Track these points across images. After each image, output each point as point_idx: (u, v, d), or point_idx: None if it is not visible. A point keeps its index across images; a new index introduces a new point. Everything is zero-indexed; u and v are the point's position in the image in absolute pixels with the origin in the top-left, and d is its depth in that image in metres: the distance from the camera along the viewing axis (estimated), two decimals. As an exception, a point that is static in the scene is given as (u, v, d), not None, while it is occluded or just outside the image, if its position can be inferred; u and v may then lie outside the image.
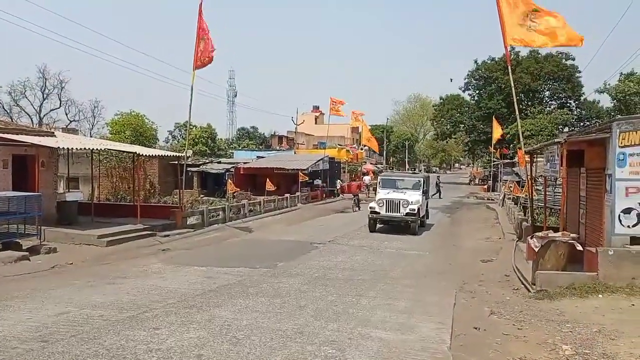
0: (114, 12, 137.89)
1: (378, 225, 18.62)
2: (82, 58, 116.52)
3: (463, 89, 57.64)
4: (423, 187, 19.26)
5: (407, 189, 18.79)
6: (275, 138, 63.68)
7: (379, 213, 18.00)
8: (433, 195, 29.42)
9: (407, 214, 17.70)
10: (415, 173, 22.05)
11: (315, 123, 72.26)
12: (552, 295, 8.56)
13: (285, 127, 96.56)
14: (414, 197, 18.17)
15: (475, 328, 7.09)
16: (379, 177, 20.91)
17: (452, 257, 13.67)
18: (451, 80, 39.30)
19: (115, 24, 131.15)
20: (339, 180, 37.97)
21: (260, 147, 57.58)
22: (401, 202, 17.82)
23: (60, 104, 45.12)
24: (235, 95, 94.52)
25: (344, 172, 44.81)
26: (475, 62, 55.91)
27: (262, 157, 38.67)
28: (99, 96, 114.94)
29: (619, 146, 9.39)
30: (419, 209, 17.89)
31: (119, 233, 14.99)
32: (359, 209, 26.89)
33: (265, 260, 12.32)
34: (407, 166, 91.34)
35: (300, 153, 45.74)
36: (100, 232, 14.65)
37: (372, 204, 18.41)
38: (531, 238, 10.12)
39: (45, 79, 43.86)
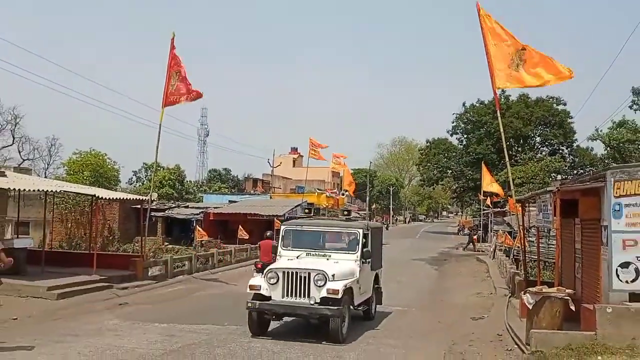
0: (78, 45, 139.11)
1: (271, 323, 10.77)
2: (40, 92, 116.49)
3: (451, 132, 58.87)
4: (363, 247, 11.17)
5: (334, 250, 11.41)
6: (249, 181, 63.73)
7: (269, 298, 10.09)
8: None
9: (321, 302, 9.75)
10: (350, 219, 13.24)
11: (294, 166, 72.75)
12: (548, 356, 8.51)
13: (261, 169, 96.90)
14: (341, 267, 10.51)
15: (466, 394, 6.98)
16: (282, 227, 12.31)
17: (441, 314, 13.59)
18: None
19: (79, 57, 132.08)
20: None
21: (233, 190, 57.48)
22: (312, 276, 9.90)
23: (14, 141, 44.68)
24: (207, 135, 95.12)
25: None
26: (464, 105, 57.43)
27: (235, 202, 38.55)
28: (57, 134, 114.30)
29: (614, 196, 9.62)
30: (349, 290, 10.20)
31: (72, 285, 14.57)
32: None
33: (234, 316, 12.02)
34: (391, 213, 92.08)
35: (276, 198, 45.78)
36: (51, 283, 14.22)
37: (256, 280, 10.68)
38: (524, 294, 10.14)
39: (-2, 114, 43.56)
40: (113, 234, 27.67)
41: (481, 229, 45.09)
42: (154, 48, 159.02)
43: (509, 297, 15.04)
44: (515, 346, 9.75)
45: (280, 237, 11.87)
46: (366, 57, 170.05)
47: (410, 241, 47.10)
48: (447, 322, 12.56)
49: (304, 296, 9.94)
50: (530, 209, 16.94)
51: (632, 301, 9.24)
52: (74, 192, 21.92)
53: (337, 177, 71.14)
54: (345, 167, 45.20)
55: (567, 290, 9.84)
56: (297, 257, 10.98)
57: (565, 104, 53.24)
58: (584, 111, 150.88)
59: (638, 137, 38.34)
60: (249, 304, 10.12)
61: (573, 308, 9.55)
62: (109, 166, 38.44)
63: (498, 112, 16.65)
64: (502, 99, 50.69)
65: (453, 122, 58.17)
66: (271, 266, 10.82)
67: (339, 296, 9.71)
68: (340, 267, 10.53)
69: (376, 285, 12.75)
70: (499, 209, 39.95)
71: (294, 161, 75.12)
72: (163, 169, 45.30)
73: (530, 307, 9.54)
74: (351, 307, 10.59)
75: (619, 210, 9.55)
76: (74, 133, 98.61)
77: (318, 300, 9.81)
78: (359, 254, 11.01)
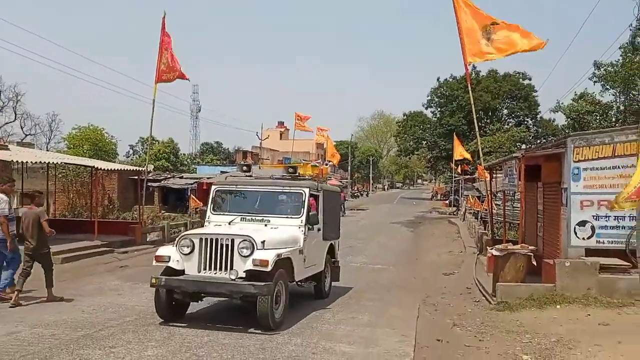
0: (73, 23, 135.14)
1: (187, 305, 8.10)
2: (40, 70, 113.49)
3: (426, 106, 58.87)
4: (309, 210, 8.71)
5: (275, 215, 8.75)
6: (239, 153, 63.19)
7: (182, 272, 7.58)
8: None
9: (247, 276, 7.29)
10: (298, 178, 9.58)
11: (280, 138, 72.30)
12: (512, 306, 8.72)
13: (250, 142, 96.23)
14: (277, 234, 8.18)
15: (438, 340, 7.14)
16: (212, 188, 9.50)
17: (416, 271, 13.79)
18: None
19: (75, 36, 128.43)
20: None
21: (225, 162, 57.05)
22: (237, 244, 7.46)
23: (16, 117, 43.65)
24: (199, 110, 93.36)
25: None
26: (438, 80, 57.30)
27: (226, 172, 38.26)
28: (57, 109, 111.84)
29: (574, 161, 9.75)
30: (285, 261, 7.78)
31: (75, 250, 14.46)
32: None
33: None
34: (371, 182, 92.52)
35: (264, 168, 45.49)
36: (56, 248, 14.01)
37: (165, 249, 8.19)
38: (491, 250, 10.32)
39: (0, 91, 42.41)
40: (113, 203, 27.36)
41: (452, 194, 45.57)
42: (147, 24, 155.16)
43: (477, 254, 15.30)
44: (483, 298, 9.95)
45: (210, 198, 9.08)
46: (348, 29, 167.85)
47: (388, 206, 47.45)
48: (422, 277, 12.76)
49: (226, 269, 7.29)
50: (497, 175, 17.10)
51: (588, 256, 9.47)
52: (75, 164, 21.56)
53: (321, 149, 70.95)
54: (329, 139, 45.10)
55: (530, 247, 10.03)
56: (229, 223, 8.30)
57: (530, 79, 53.54)
58: (547, 84, 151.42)
59: (596, 109, 38.62)
60: (153, 280, 7.32)
61: (534, 263, 9.75)
62: (107, 140, 37.76)
63: (469, 86, 16.64)
64: (473, 74, 50.60)
65: (428, 96, 58.09)
66: (186, 232, 8.79)
67: (269, 268, 7.06)
68: (275, 234, 7.95)
69: (332, 259, 10.08)
70: (469, 176, 40.30)
71: (280, 134, 74.61)
72: (158, 142, 44.68)
73: (496, 262, 9.70)
74: (290, 283, 7.98)
75: (577, 174, 9.70)
76: (72, 109, 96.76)
77: (242, 275, 7.17)
78: (303, 218, 8.37)
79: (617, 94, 36.62)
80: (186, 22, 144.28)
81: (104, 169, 20.27)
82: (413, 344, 6.84)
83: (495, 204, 20.20)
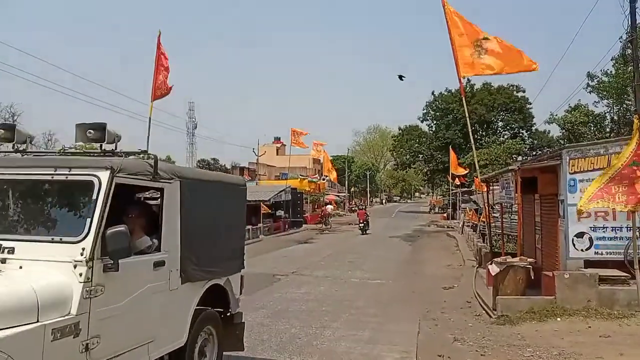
0: (68, 42, 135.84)
1: None
2: (36, 90, 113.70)
3: (421, 119, 59.24)
4: (115, 222, 3.84)
5: (20, 235, 3.88)
6: (236, 169, 63.26)
7: None
8: None
9: None
10: (109, 154, 4.52)
11: (277, 154, 72.43)
12: (513, 320, 8.67)
13: (247, 158, 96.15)
14: (16, 289, 3.33)
15: (440, 356, 7.07)
16: None
17: (415, 285, 13.71)
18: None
19: (69, 55, 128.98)
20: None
21: (221, 179, 56.94)
22: None
23: (12, 137, 43.57)
24: (195, 127, 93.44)
25: (307, 202, 44.84)
26: (433, 93, 57.80)
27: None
28: (53, 129, 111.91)
29: (570, 172, 9.79)
30: None
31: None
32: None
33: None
34: (368, 195, 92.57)
35: (262, 184, 45.56)
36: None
37: None
38: (490, 264, 10.30)
39: (-4, 111, 42.39)
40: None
41: (450, 207, 45.59)
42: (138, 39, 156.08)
43: (477, 267, 15.24)
44: (483, 311, 9.89)
45: None
46: (342, 43, 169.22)
47: (386, 220, 47.38)
48: (421, 291, 12.68)
49: None
50: (494, 187, 17.13)
51: (586, 267, 9.46)
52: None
53: (318, 164, 71.10)
54: (325, 153, 45.24)
55: (528, 260, 10.01)
56: None
57: (524, 91, 54.06)
58: (541, 96, 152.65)
59: (590, 119, 38.92)
60: None
61: (532, 276, 9.73)
62: (104, 159, 37.78)
63: (463, 99, 16.74)
64: (467, 87, 51.01)
65: (424, 110, 58.61)
66: None
67: None
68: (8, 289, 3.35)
69: (224, 315, 5.78)
70: (466, 189, 40.39)
71: (277, 150, 74.73)
72: (155, 160, 44.70)
73: (494, 274, 9.68)
74: None
75: (573, 185, 9.72)
76: (68, 127, 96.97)
77: None
78: (89, 240, 3.68)
79: (611, 105, 36.95)
80: (182, 38, 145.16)
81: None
82: (414, 360, 6.79)
83: (493, 217, 20.22)
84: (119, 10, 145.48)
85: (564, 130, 41.82)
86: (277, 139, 77.18)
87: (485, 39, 11.84)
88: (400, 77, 37.34)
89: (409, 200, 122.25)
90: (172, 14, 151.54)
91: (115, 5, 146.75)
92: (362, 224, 31.65)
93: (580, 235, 9.67)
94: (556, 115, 42.27)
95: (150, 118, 18.48)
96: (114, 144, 4.67)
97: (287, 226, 33.64)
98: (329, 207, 44.79)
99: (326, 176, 51.72)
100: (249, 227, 27.59)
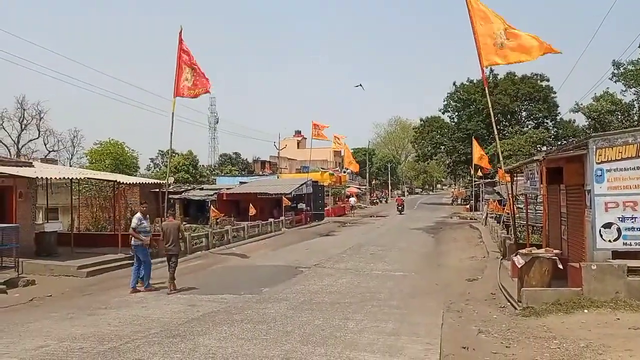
0: (91, 39, 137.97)
1: None
2: (61, 87, 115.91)
3: (442, 110, 58.65)
4: None
5: None
6: (258, 163, 63.63)
7: None
8: None
9: None
10: None
11: (298, 147, 72.57)
12: (539, 311, 8.56)
13: (268, 152, 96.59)
14: None
15: (464, 348, 7.03)
16: None
17: (438, 277, 13.65)
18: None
19: (92, 52, 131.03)
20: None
21: (243, 172, 57.35)
22: None
23: (39, 134, 44.48)
24: (217, 122, 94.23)
25: (328, 195, 44.88)
26: (454, 84, 57.14)
27: (245, 183, 38.53)
28: (78, 126, 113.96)
29: (597, 162, 9.57)
30: None
31: (100, 263, 14.69)
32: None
33: (249, 286, 12.15)
34: (389, 188, 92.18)
35: (283, 177, 45.74)
36: (80, 262, 14.33)
37: None
38: (515, 255, 10.17)
39: (24, 109, 43.33)
40: (135, 216, 27.77)
41: (473, 198, 45.13)
42: (163, 38, 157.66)
43: (501, 259, 15.08)
44: (508, 303, 9.79)
45: None
46: (360, 36, 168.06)
47: (408, 212, 47.14)
48: (444, 283, 12.62)
49: None
50: (518, 178, 16.88)
51: (614, 258, 9.26)
52: (97, 179, 21.93)
53: (339, 156, 71.02)
54: (346, 146, 45.16)
55: (554, 251, 9.85)
56: None
57: (548, 80, 53.04)
58: (566, 84, 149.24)
59: (617, 108, 38.01)
60: None
61: (561, 266, 9.58)
62: (128, 154, 38.37)
63: (486, 89, 16.52)
64: (490, 77, 50.33)
65: (445, 101, 58.04)
66: None
67: None
68: None
69: None
70: (489, 180, 39.91)
71: (298, 143, 74.89)
72: (178, 155, 45.22)
73: (519, 266, 9.56)
74: None
75: (600, 175, 9.51)
76: (94, 124, 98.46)
77: None
78: None
79: (639, 93, 35.98)
80: (202, 33, 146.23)
81: (126, 183, 20.54)
82: (438, 352, 6.76)
83: (517, 208, 19.94)
84: (140, 6, 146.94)
85: (590, 120, 40.96)
86: (298, 132, 77.27)
87: (508, 28, 11.64)
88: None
89: (430, 192, 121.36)
90: (192, 9, 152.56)
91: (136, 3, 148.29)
92: (400, 207, 45.22)
93: (607, 225, 9.46)
94: (581, 104, 41.45)
95: (173, 114, 18.74)
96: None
97: (308, 219, 33.73)
98: (352, 199, 44.91)
99: (347, 169, 51.65)
100: (271, 219, 27.79)
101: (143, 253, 11.87)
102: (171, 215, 14.22)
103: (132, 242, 12.02)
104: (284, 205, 30.09)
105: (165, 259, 12.34)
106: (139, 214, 12.27)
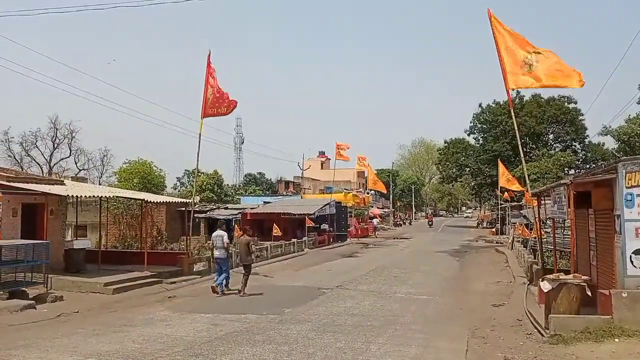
0: (120, 60, 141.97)
1: None
2: (92, 108, 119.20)
3: (468, 132, 58.23)
4: None
5: None
6: (281, 183, 64.06)
7: None
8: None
9: None
10: None
11: (322, 168, 72.88)
12: (567, 339, 8.34)
13: (292, 172, 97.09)
14: None
15: (489, 375, 6.89)
16: None
17: (463, 302, 13.41)
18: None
19: (122, 74, 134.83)
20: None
21: (267, 192, 57.79)
22: None
23: (70, 153, 45.77)
24: (242, 142, 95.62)
25: (351, 216, 44.76)
26: (480, 105, 56.80)
27: (269, 203, 38.77)
28: (108, 145, 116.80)
29: (626, 186, 9.36)
30: None
31: (126, 280, 14.90)
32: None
33: (272, 306, 12.15)
34: (413, 209, 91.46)
35: (306, 198, 45.86)
36: (107, 279, 14.57)
37: None
38: (542, 281, 9.95)
39: (56, 128, 44.70)
40: (161, 234, 28.13)
41: (499, 221, 44.38)
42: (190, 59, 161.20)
43: (528, 285, 14.76)
44: (535, 330, 9.56)
45: None
46: (385, 59, 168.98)
47: (432, 234, 46.61)
48: (469, 308, 12.39)
49: None
50: (545, 201, 16.58)
51: (646, 286, 8.98)
52: (126, 198, 22.39)
53: (362, 177, 70.97)
54: (370, 167, 45.12)
55: (583, 277, 9.61)
56: None
57: (575, 103, 52.28)
58: (595, 107, 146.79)
59: (647, 131, 37.20)
60: None
61: (589, 293, 9.33)
62: (156, 173, 39.09)
63: (512, 111, 16.42)
64: (516, 99, 49.93)
65: (470, 122, 57.62)
66: None
67: None
68: None
69: None
70: (515, 203, 39.28)
71: (321, 164, 75.22)
72: (203, 174, 45.87)
73: (547, 292, 9.35)
74: None
75: (631, 200, 9.30)
76: (123, 144, 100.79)
77: None
78: None
79: (670, 116, 35.18)
80: (228, 55, 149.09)
81: (153, 202, 20.93)
82: (462, 379, 6.63)
83: (545, 232, 19.54)
84: (169, 22, 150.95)
85: (619, 142, 40.12)
86: (322, 153, 77.68)
87: (536, 52, 11.62)
88: None
89: (455, 215, 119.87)
90: (218, 27, 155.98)
91: (165, 18, 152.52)
92: (430, 223, 62.05)
93: (638, 252, 9.20)
94: (610, 126, 40.70)
95: (200, 135, 19.13)
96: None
97: (331, 240, 33.66)
98: (375, 220, 44.71)
99: (371, 189, 51.50)
100: (294, 240, 27.81)
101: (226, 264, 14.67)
102: (244, 232, 16.18)
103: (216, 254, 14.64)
104: (307, 225, 30.11)
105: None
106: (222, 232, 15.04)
